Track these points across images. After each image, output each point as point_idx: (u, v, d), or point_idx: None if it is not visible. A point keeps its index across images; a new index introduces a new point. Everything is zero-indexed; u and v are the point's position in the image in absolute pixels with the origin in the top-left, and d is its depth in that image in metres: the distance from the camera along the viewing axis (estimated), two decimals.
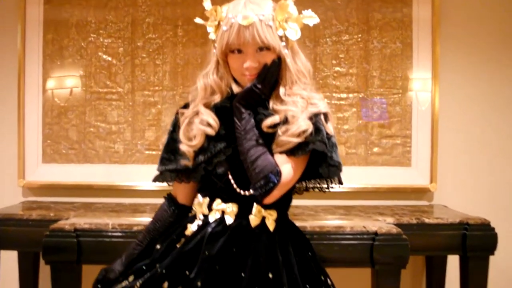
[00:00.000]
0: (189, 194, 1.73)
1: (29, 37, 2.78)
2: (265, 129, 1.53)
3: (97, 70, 2.79)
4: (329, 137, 1.56)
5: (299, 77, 1.59)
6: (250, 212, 1.57)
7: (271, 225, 1.58)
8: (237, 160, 1.55)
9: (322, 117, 1.56)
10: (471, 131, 2.86)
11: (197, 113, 1.61)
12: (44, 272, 2.57)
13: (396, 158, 2.81)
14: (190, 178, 1.69)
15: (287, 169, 1.50)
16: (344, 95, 2.80)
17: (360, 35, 2.79)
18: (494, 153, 2.87)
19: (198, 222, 1.62)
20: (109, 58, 2.78)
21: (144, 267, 1.61)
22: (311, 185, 1.81)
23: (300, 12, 1.56)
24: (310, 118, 1.52)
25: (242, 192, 1.57)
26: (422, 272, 2.82)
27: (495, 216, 2.45)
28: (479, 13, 2.85)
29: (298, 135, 1.49)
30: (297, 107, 1.53)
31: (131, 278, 1.60)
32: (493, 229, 2.32)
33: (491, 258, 2.35)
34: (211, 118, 1.57)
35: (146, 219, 2.03)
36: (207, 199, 1.62)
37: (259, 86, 1.53)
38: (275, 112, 1.54)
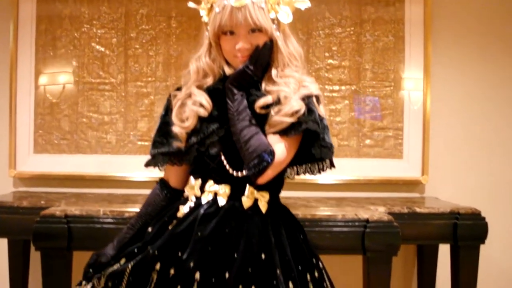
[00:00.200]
0: (181, 178, 1.73)
1: (22, 27, 2.77)
2: (257, 110, 1.53)
3: (90, 60, 2.79)
4: (321, 118, 1.57)
5: (291, 60, 1.61)
6: (242, 193, 1.57)
7: (263, 206, 1.58)
8: (229, 141, 1.55)
9: (314, 99, 1.57)
10: (463, 123, 2.89)
11: (189, 95, 1.62)
12: (35, 259, 2.56)
13: (388, 150, 2.83)
14: (183, 161, 1.69)
15: (281, 148, 1.50)
16: (336, 87, 2.81)
17: (352, 28, 2.81)
18: (486, 146, 2.90)
19: (190, 204, 1.61)
20: (102, 49, 2.79)
21: (136, 250, 1.61)
22: (302, 170, 1.82)
23: None
24: (303, 99, 1.53)
25: (234, 173, 1.57)
26: (413, 261, 2.83)
27: (487, 208, 2.46)
28: (471, 7, 2.88)
29: (291, 115, 1.50)
30: (289, 88, 1.54)
31: (122, 261, 1.59)
32: (483, 218, 2.34)
33: (482, 248, 2.37)
34: (204, 99, 1.57)
35: (137, 209, 2.03)
36: (199, 181, 1.62)
37: (251, 67, 1.54)
38: (267, 93, 1.54)
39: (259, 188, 1.58)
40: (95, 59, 2.78)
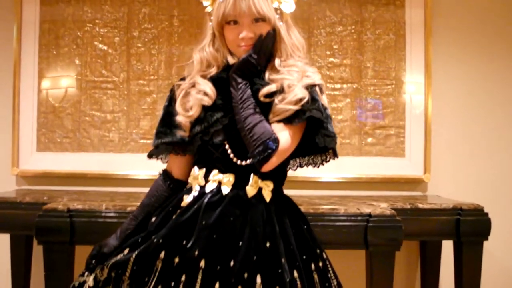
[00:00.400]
0: (184, 169, 1.73)
1: (25, 27, 2.79)
2: (261, 99, 1.54)
3: (92, 59, 2.80)
4: (324, 108, 1.58)
5: (294, 50, 1.62)
6: (246, 182, 1.57)
7: (267, 195, 1.58)
8: (234, 130, 1.56)
9: (317, 88, 1.58)
10: (465, 121, 2.89)
11: (193, 85, 1.63)
12: (37, 255, 2.55)
13: (390, 148, 2.83)
14: (186, 151, 1.70)
15: (285, 136, 1.51)
16: (338, 86, 2.83)
17: (353, 27, 2.83)
18: (489, 144, 2.90)
19: (194, 193, 1.61)
20: (105, 48, 2.80)
21: (139, 240, 1.60)
22: (305, 162, 1.83)
23: None
24: (306, 89, 1.54)
25: (239, 162, 1.57)
26: (416, 258, 2.82)
27: (489, 206, 2.44)
28: (471, 5, 2.89)
29: (295, 103, 1.51)
30: (293, 76, 1.55)
31: (126, 251, 1.58)
32: (486, 214, 2.33)
33: (485, 245, 2.36)
34: (208, 87, 1.58)
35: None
36: (203, 170, 1.62)
37: (254, 56, 1.55)
38: (271, 81, 1.55)
39: (263, 177, 1.58)
40: (97, 57, 2.80)
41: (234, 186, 1.57)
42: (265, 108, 1.54)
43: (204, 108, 1.58)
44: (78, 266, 2.11)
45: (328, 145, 1.60)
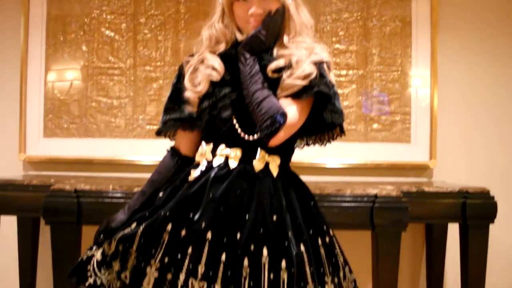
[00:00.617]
0: (192, 146, 1.74)
1: (32, 14, 2.82)
2: (269, 74, 1.55)
3: (99, 45, 2.82)
4: (332, 85, 1.58)
5: (302, 28, 1.63)
6: (254, 157, 1.58)
7: (274, 170, 1.59)
8: (241, 105, 1.57)
9: (325, 65, 1.59)
10: (471, 107, 2.89)
11: (202, 61, 1.64)
12: (44, 237, 2.58)
13: (395, 134, 2.83)
14: (194, 127, 1.71)
15: (293, 111, 1.52)
16: (344, 72, 2.83)
17: (359, 13, 2.84)
18: (495, 130, 2.89)
19: (202, 168, 1.62)
20: (112, 34, 2.82)
21: (146, 214, 1.61)
22: (311, 141, 1.84)
23: None
24: (314, 64, 1.55)
25: (246, 137, 1.58)
26: (422, 242, 2.82)
27: (496, 192, 2.43)
28: None
29: (303, 78, 1.52)
30: (301, 52, 1.56)
31: (133, 225, 1.59)
32: (492, 197, 2.33)
33: (491, 229, 2.36)
34: (217, 62, 1.60)
35: None
36: (210, 145, 1.63)
37: (263, 32, 1.56)
38: (279, 57, 1.57)
39: (270, 152, 1.59)
40: (104, 44, 2.82)
41: (241, 160, 1.58)
42: (273, 84, 1.55)
43: (212, 84, 1.60)
44: (85, 246, 2.10)
45: (336, 121, 1.60)
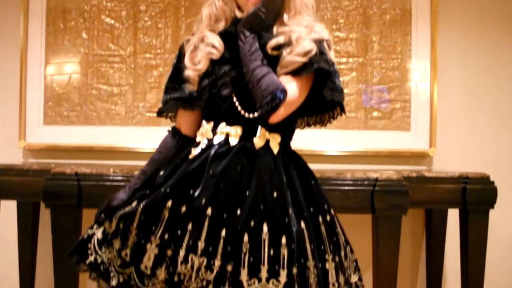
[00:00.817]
0: (193, 125, 1.75)
1: (32, 1, 2.80)
2: (269, 51, 1.56)
3: (99, 33, 2.82)
4: (332, 63, 1.59)
5: (303, 8, 1.64)
6: (254, 134, 1.58)
7: (275, 147, 1.59)
8: (241, 83, 1.57)
9: (325, 43, 1.59)
10: (471, 95, 2.88)
11: (202, 40, 1.65)
12: (44, 221, 2.58)
13: (395, 122, 2.84)
14: (195, 106, 1.72)
15: (293, 88, 1.52)
16: (344, 60, 2.83)
17: (359, 1, 2.84)
18: (495, 117, 2.89)
19: (202, 146, 1.62)
20: (112, 22, 2.82)
21: (147, 192, 1.61)
22: (312, 121, 1.84)
23: None
24: (314, 42, 1.55)
25: (246, 114, 1.59)
26: (422, 228, 2.82)
27: (496, 180, 2.43)
28: None
29: (303, 55, 1.52)
30: (301, 30, 1.56)
31: (134, 203, 1.59)
32: (492, 182, 2.33)
33: (491, 214, 2.36)
34: (217, 40, 1.60)
35: None
36: (211, 124, 1.63)
37: (263, 10, 1.56)
38: (279, 35, 1.57)
39: (271, 129, 1.59)
40: (104, 31, 2.82)
41: (241, 138, 1.58)
42: (273, 62, 1.55)
43: (212, 62, 1.61)
44: (85, 229, 2.11)
45: (336, 98, 1.60)
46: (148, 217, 1.53)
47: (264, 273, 1.44)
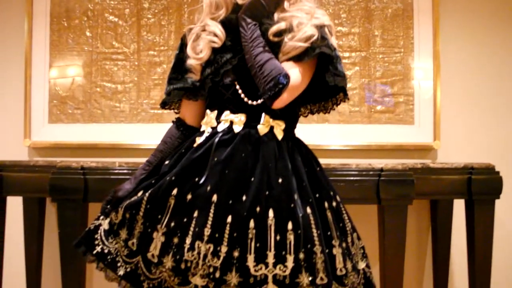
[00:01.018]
0: (197, 115, 1.76)
1: None
2: (271, 37, 1.56)
3: (103, 31, 2.84)
4: (333, 48, 1.59)
5: None
6: (258, 122, 1.59)
7: (279, 134, 1.59)
8: (244, 71, 1.58)
9: (326, 29, 1.60)
10: (474, 88, 2.88)
11: (204, 29, 1.66)
12: (49, 219, 2.60)
13: (399, 116, 2.84)
14: (198, 96, 1.72)
15: (295, 73, 1.53)
16: (346, 54, 2.84)
17: None
18: (499, 109, 2.88)
19: (206, 134, 1.62)
20: (116, 19, 2.84)
21: (153, 181, 1.62)
22: (316, 109, 1.84)
23: None
24: (315, 27, 1.56)
25: (249, 102, 1.59)
26: (427, 220, 2.80)
27: (501, 172, 2.44)
28: None
29: (305, 40, 1.53)
30: (302, 15, 1.57)
31: (140, 193, 1.60)
32: (498, 172, 2.33)
33: (497, 206, 2.35)
34: (218, 29, 1.61)
35: None
36: (215, 112, 1.64)
37: None
38: (280, 20, 1.58)
39: (275, 116, 1.60)
40: (108, 29, 2.84)
41: (245, 125, 1.59)
42: (274, 48, 1.56)
43: (214, 51, 1.62)
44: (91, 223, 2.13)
45: (339, 84, 1.61)
46: (154, 205, 1.54)
47: (270, 259, 1.45)
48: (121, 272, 1.55)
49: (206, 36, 1.62)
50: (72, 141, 2.81)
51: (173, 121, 1.80)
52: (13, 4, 2.86)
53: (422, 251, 2.79)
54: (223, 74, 1.61)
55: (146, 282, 1.50)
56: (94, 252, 1.61)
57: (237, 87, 1.60)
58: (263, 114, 1.58)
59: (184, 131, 1.75)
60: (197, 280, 1.44)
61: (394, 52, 2.85)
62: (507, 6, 2.90)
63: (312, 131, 2.76)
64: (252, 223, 1.46)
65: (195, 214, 1.48)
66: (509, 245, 2.79)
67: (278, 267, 1.44)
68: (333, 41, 1.61)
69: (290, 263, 1.45)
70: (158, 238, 1.50)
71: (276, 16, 1.60)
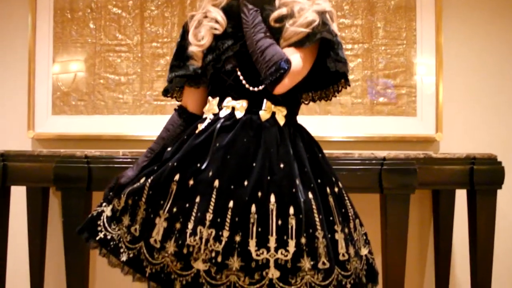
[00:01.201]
0: (199, 103, 1.77)
1: None
2: (272, 23, 1.57)
3: (107, 23, 2.85)
4: (335, 34, 1.59)
5: None
6: (260, 108, 1.59)
7: (281, 120, 1.60)
8: (245, 57, 1.59)
9: (327, 15, 1.60)
10: (477, 79, 2.88)
11: (205, 16, 1.67)
12: (52, 210, 2.61)
13: (401, 108, 2.84)
14: (200, 83, 1.74)
15: (297, 58, 1.54)
16: (349, 46, 2.84)
17: None
18: (502, 101, 2.87)
19: (208, 120, 1.63)
20: (119, 11, 2.85)
21: (155, 168, 1.63)
22: (317, 96, 1.85)
23: None
24: (317, 13, 1.57)
25: (251, 88, 1.60)
26: (429, 211, 2.81)
27: (504, 164, 2.44)
28: None
29: (306, 25, 1.54)
30: (303, 1, 1.58)
31: (142, 180, 1.61)
32: (500, 162, 2.33)
33: (499, 196, 2.35)
34: (219, 15, 1.63)
35: None
36: (217, 99, 1.65)
37: None
38: (281, 6, 1.59)
39: (277, 103, 1.60)
40: (111, 21, 2.85)
41: (247, 111, 1.60)
42: (276, 34, 1.57)
43: (215, 37, 1.63)
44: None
45: (340, 69, 1.61)
46: (156, 191, 1.55)
47: (272, 243, 1.45)
48: (123, 258, 1.56)
49: (208, 22, 1.63)
50: (75, 133, 2.82)
51: (175, 109, 1.81)
52: None
53: (424, 243, 2.79)
54: (225, 60, 1.62)
55: (148, 267, 1.51)
56: (97, 238, 1.62)
57: (239, 73, 1.61)
58: (265, 100, 1.59)
59: (186, 119, 1.76)
60: (199, 264, 1.45)
61: (397, 44, 2.85)
62: (509, 2, 2.90)
63: (314, 123, 2.75)
64: (253, 208, 1.47)
65: (197, 200, 1.49)
66: (511, 236, 2.79)
67: (279, 251, 1.45)
68: (334, 27, 1.61)
69: (291, 247, 1.45)
70: (161, 224, 1.51)
71: (277, 2, 1.61)
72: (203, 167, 1.53)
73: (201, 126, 1.63)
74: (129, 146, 2.81)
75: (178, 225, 1.49)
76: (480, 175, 2.30)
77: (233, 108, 1.60)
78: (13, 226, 2.47)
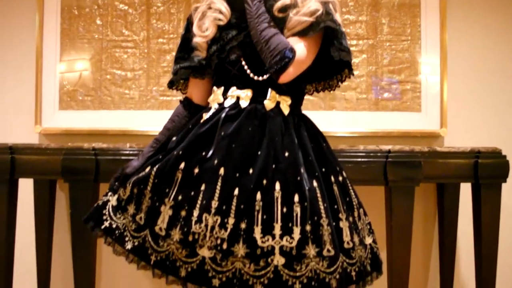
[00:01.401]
0: (204, 94, 1.79)
1: None
2: (276, 13, 1.59)
3: (113, 19, 2.87)
4: (338, 23, 1.61)
5: None
6: (264, 97, 1.61)
7: (285, 109, 1.62)
8: (249, 47, 1.61)
9: (331, 5, 1.62)
10: (481, 75, 2.88)
11: (210, 7, 1.69)
12: (59, 203, 2.64)
13: (406, 103, 2.85)
14: (205, 74, 1.76)
15: (301, 47, 1.55)
16: (354, 42, 2.85)
17: None
18: (507, 97, 2.87)
19: (213, 110, 1.65)
20: (126, 7, 2.87)
21: (160, 157, 1.65)
22: (321, 87, 1.86)
23: None
24: (320, 3, 1.58)
25: (255, 77, 1.62)
26: (434, 205, 2.81)
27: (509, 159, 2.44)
28: None
29: (310, 14, 1.56)
30: None
31: (147, 169, 1.63)
32: (504, 156, 2.33)
33: (504, 190, 2.35)
34: (223, 6, 1.65)
35: None
36: (221, 89, 1.66)
37: None
38: None
39: (281, 92, 1.62)
40: (118, 17, 2.87)
41: (252, 100, 1.61)
42: (279, 24, 1.59)
43: (220, 28, 1.65)
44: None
45: (344, 58, 1.63)
46: (161, 180, 1.57)
47: (277, 230, 1.47)
48: (128, 246, 1.58)
49: (212, 13, 1.65)
50: (82, 128, 2.84)
51: (180, 101, 1.83)
52: None
53: (428, 237, 2.79)
54: (229, 50, 1.64)
55: (153, 255, 1.53)
56: (102, 227, 1.64)
57: (243, 63, 1.63)
58: (270, 90, 1.61)
59: (191, 110, 1.78)
60: (204, 251, 1.47)
61: (401, 40, 2.86)
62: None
63: (319, 118, 2.71)
64: (259, 196, 1.48)
65: (203, 187, 1.51)
66: None
67: (285, 238, 1.47)
68: (338, 17, 1.63)
69: (296, 234, 1.47)
70: (166, 212, 1.53)
71: None
72: (208, 155, 1.54)
73: (206, 116, 1.65)
74: (135, 141, 2.81)
75: (183, 213, 1.51)
76: (485, 169, 2.30)
77: (238, 98, 1.62)
78: (21, 218, 2.49)
